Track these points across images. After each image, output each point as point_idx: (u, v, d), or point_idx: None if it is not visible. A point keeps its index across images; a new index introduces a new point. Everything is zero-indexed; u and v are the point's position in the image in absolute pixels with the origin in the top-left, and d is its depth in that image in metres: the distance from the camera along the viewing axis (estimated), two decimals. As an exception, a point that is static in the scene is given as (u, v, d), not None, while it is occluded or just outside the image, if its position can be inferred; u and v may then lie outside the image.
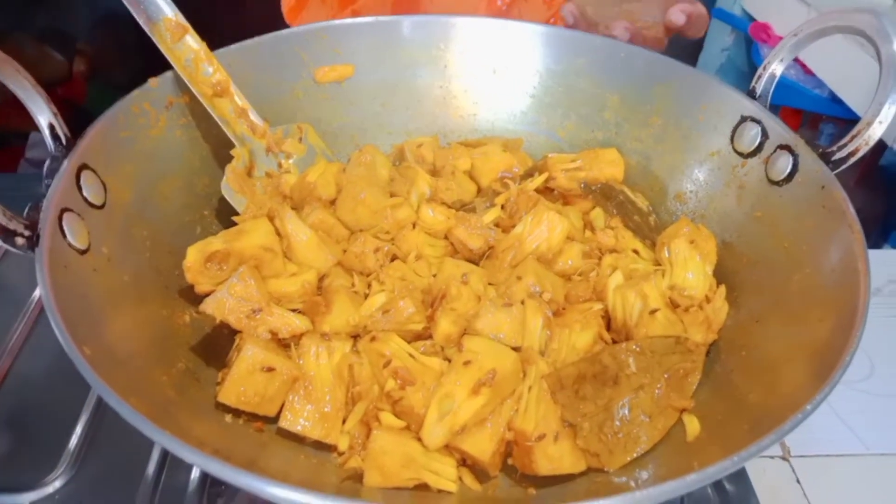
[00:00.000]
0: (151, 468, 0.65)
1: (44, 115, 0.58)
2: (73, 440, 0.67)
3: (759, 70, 0.73)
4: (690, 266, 0.68)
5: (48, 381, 0.74)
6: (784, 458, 0.72)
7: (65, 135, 0.59)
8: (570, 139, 0.87)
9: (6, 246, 0.50)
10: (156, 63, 0.69)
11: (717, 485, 0.68)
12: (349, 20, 0.82)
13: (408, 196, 0.75)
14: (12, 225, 0.50)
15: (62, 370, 0.74)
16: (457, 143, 0.88)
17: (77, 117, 0.60)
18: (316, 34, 0.80)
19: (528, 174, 0.82)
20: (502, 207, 0.77)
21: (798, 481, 0.70)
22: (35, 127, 0.58)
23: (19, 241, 0.51)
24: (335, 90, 0.84)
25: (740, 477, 0.68)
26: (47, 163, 0.57)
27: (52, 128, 0.59)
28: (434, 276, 0.69)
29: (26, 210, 0.53)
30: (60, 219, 0.54)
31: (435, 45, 0.85)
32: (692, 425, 0.57)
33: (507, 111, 0.88)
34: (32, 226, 0.52)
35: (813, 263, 0.61)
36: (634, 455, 0.55)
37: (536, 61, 0.85)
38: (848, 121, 1.56)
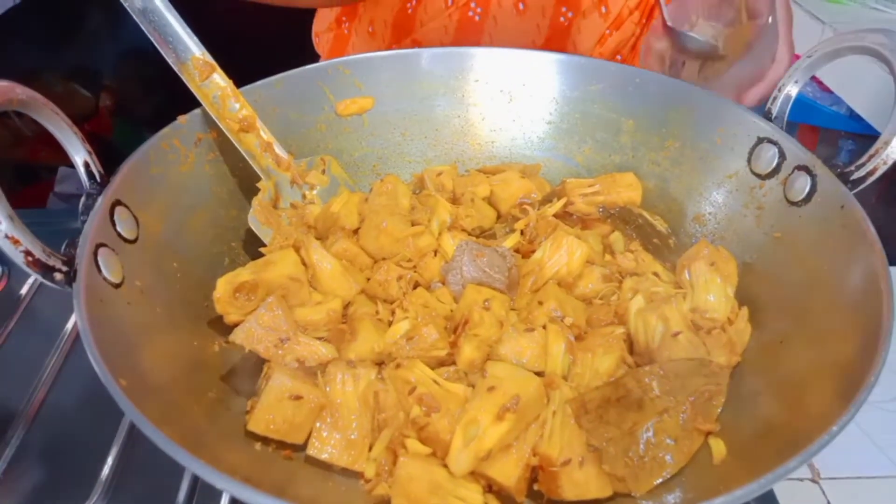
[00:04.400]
0: (182, 497, 0.66)
1: (79, 154, 0.60)
2: (105, 470, 0.68)
3: (775, 92, 0.73)
4: (712, 288, 0.68)
5: (80, 411, 0.75)
6: (814, 481, 0.71)
7: (99, 172, 0.61)
8: (587, 164, 0.88)
9: (45, 281, 0.52)
10: (179, 97, 0.71)
11: (747, 508, 0.67)
12: (369, 54, 0.84)
13: (429, 224, 0.77)
14: (51, 261, 0.52)
15: (94, 401, 0.75)
16: (475, 170, 0.89)
17: (104, 151, 0.62)
18: (338, 69, 0.83)
19: (547, 199, 0.83)
20: (522, 233, 0.78)
21: (829, 504, 0.69)
22: (64, 161, 0.60)
23: (58, 276, 0.52)
24: (357, 122, 0.86)
25: (769, 500, 0.68)
26: (83, 199, 0.60)
27: (87, 166, 0.61)
28: (456, 302, 0.70)
29: (63, 246, 0.55)
30: (96, 254, 0.56)
31: (452, 75, 0.87)
32: (718, 448, 0.56)
33: (524, 138, 0.90)
34: (70, 261, 0.54)
35: (835, 283, 0.61)
36: (661, 479, 0.55)
37: (552, 88, 0.87)
38: (867, 136, 1.55)
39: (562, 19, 1.04)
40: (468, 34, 1.04)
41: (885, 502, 0.69)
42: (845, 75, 1.47)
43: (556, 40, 1.06)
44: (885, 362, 0.49)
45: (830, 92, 1.55)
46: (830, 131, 1.67)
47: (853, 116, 1.51)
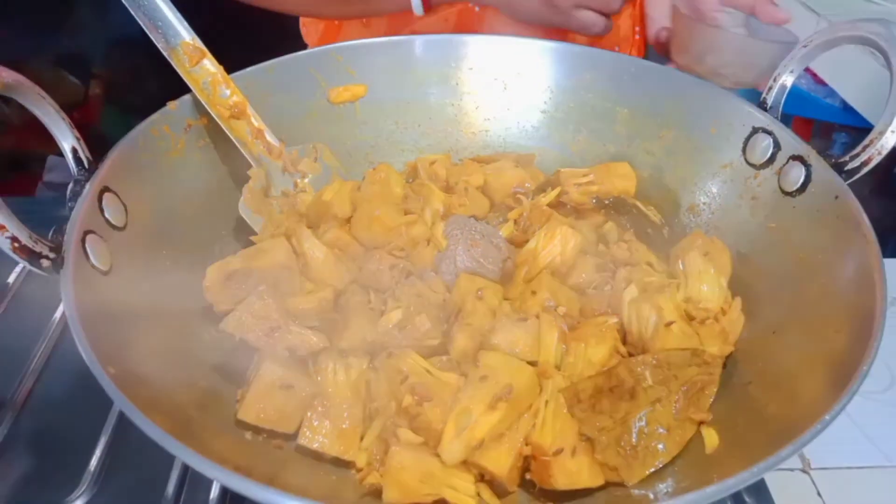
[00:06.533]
0: (171, 487, 0.65)
1: (67, 140, 0.60)
2: (94, 461, 0.68)
3: (770, 81, 0.73)
4: (705, 278, 0.68)
5: (69, 401, 0.75)
6: (804, 471, 0.71)
7: (87, 158, 0.60)
8: (581, 153, 0.87)
9: (32, 268, 0.51)
10: (170, 85, 0.70)
11: (738, 499, 0.67)
12: (362, 41, 0.83)
13: (422, 213, 0.76)
14: (38, 248, 0.51)
15: (82, 391, 0.74)
16: (469, 159, 0.88)
17: (93, 140, 0.62)
18: (330, 55, 0.82)
19: (541, 189, 0.82)
20: (515, 223, 0.78)
21: (819, 494, 0.69)
22: (53, 150, 0.59)
23: (45, 263, 0.52)
24: (349, 110, 0.85)
25: (760, 490, 0.68)
26: (70, 186, 0.59)
27: (74, 152, 0.60)
28: (449, 291, 0.70)
29: (51, 233, 0.54)
30: (84, 241, 0.55)
31: (446, 63, 0.86)
32: (710, 438, 0.57)
33: (518, 127, 0.89)
34: (57, 248, 0.53)
35: (828, 274, 0.61)
36: (653, 468, 0.55)
37: (547, 77, 0.86)
38: (861, 129, 1.55)
39: None
40: (468, 25, 1.03)
41: (875, 492, 0.70)
42: (839, 68, 1.47)
43: (558, 31, 1.05)
44: (877, 353, 0.49)
45: (825, 84, 1.55)
46: (824, 124, 1.68)
47: (847, 109, 1.52)
